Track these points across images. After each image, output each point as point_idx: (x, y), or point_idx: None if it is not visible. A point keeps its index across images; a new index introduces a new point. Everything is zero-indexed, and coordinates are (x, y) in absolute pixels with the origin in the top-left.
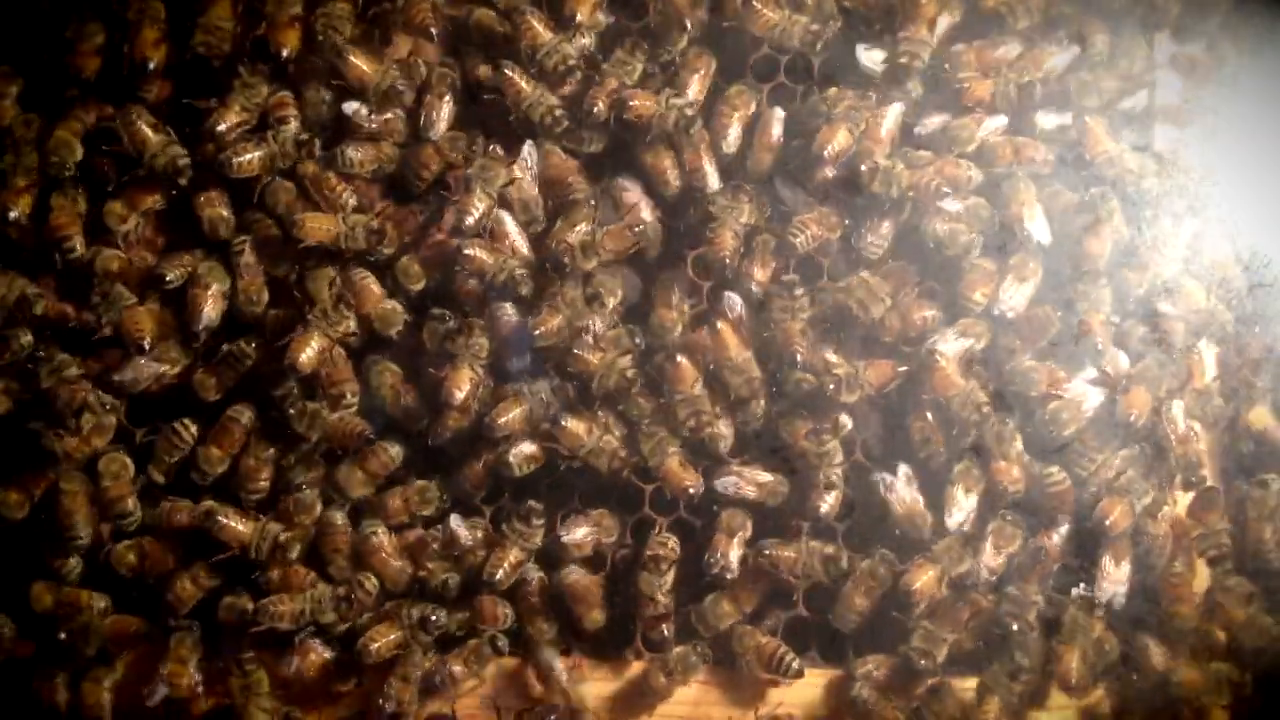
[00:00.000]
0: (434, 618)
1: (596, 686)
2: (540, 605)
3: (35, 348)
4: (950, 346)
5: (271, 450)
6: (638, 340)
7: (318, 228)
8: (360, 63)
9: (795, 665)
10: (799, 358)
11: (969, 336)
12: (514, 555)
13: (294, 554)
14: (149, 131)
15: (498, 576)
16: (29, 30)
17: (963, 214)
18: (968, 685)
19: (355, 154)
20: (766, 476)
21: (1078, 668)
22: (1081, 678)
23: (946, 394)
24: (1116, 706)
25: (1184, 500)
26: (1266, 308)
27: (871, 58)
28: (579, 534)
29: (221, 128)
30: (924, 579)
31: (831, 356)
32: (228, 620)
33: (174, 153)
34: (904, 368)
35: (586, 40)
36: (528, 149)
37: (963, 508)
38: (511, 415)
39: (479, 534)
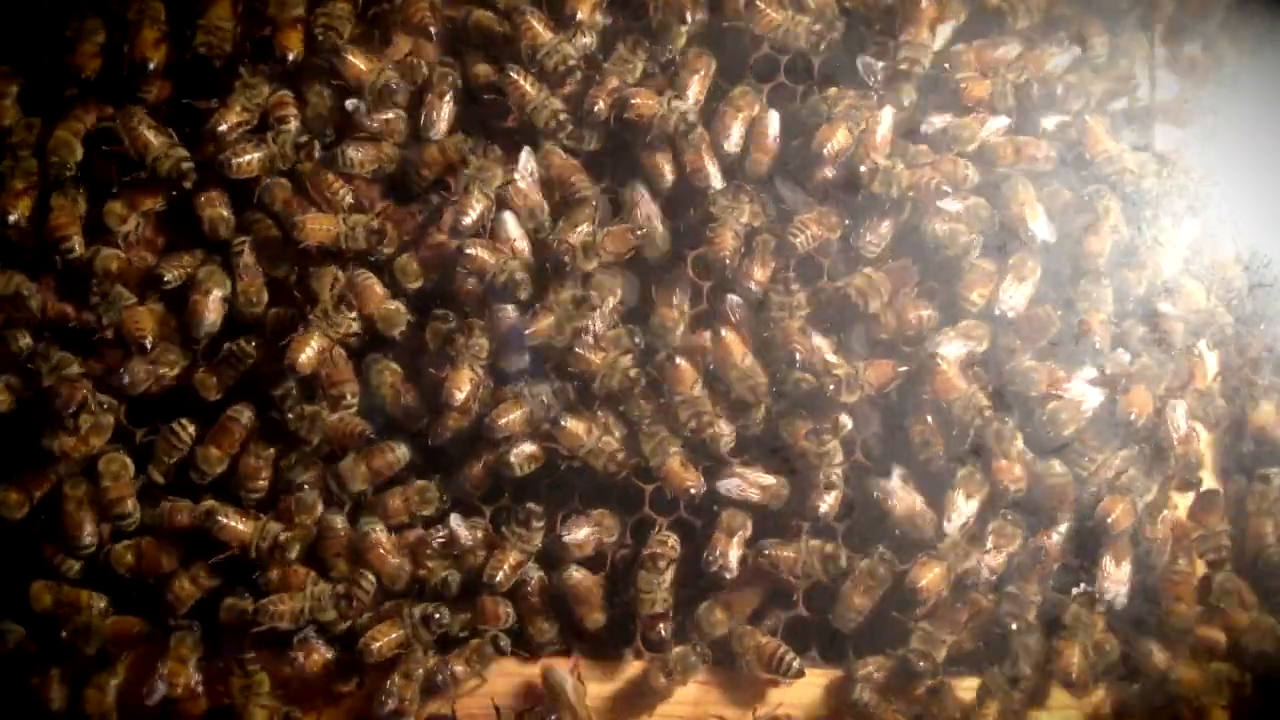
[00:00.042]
0: (436, 615)
1: (596, 686)
2: (540, 605)
3: (35, 347)
4: (951, 350)
5: (271, 450)
6: (637, 340)
7: (318, 229)
8: (357, 61)
9: (795, 665)
10: (798, 356)
11: (971, 340)
12: (514, 557)
13: (294, 554)
14: (151, 135)
15: (498, 578)
16: (29, 30)
17: (962, 214)
18: (968, 685)
19: (355, 154)
20: (770, 479)
21: (1079, 663)
22: (1082, 673)
23: (948, 397)
24: (1116, 706)
25: (1184, 501)
26: (1266, 308)
27: (872, 69)
28: (581, 534)
29: (222, 128)
30: (929, 576)
31: (831, 357)
32: (228, 621)
33: (177, 156)
34: (904, 368)
35: (587, 39)
36: (525, 157)
37: (962, 513)
38: (512, 417)
39: (479, 534)
